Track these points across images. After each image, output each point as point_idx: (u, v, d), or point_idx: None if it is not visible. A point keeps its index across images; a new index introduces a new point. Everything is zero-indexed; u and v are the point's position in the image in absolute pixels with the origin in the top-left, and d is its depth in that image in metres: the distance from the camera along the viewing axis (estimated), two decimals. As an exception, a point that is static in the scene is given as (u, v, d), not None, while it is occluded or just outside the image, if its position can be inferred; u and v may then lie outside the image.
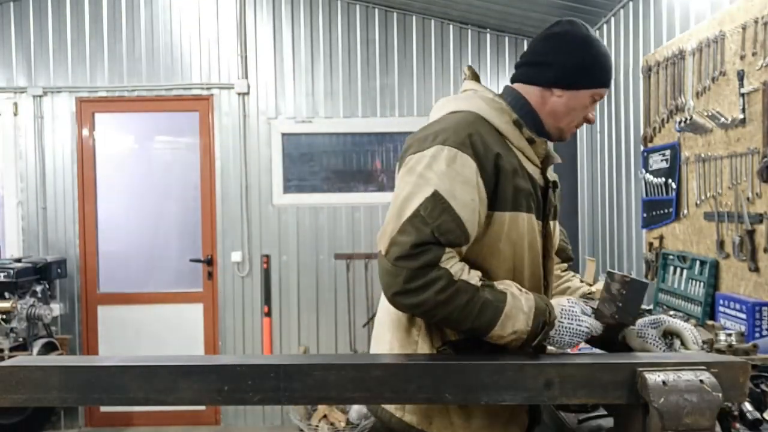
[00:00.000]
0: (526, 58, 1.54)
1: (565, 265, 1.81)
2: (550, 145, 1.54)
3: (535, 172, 1.45)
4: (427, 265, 1.26)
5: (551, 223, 1.54)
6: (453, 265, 1.29)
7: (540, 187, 1.46)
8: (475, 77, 1.57)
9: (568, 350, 1.39)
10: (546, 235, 1.50)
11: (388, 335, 1.47)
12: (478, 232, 1.35)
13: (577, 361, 1.19)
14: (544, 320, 1.31)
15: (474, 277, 1.31)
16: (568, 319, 1.33)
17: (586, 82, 1.46)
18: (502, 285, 1.34)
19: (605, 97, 3.79)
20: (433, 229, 1.27)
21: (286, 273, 4.53)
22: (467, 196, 1.31)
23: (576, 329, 1.33)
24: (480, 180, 1.33)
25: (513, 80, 1.55)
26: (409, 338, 1.41)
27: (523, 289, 1.35)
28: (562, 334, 1.32)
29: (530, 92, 1.48)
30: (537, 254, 1.46)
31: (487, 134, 1.38)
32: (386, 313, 1.48)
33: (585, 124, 1.56)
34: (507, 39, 4.48)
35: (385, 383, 1.13)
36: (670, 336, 1.48)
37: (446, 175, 1.31)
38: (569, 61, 1.45)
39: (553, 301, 1.37)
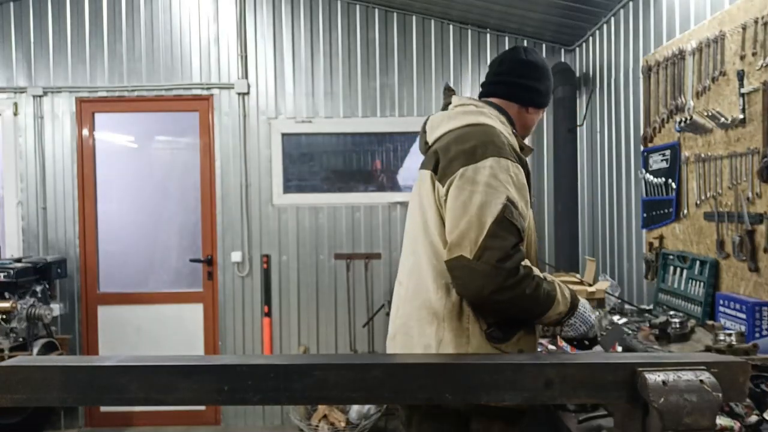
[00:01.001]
0: (506, 78, 1.82)
1: None
2: None
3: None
4: (519, 264, 1.51)
5: None
6: (528, 262, 1.56)
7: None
8: (453, 92, 1.87)
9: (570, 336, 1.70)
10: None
11: (431, 328, 1.61)
12: None
13: (577, 361, 1.19)
14: (574, 304, 1.65)
15: (538, 271, 1.59)
16: (583, 308, 1.67)
17: (546, 103, 1.86)
18: (549, 277, 1.63)
19: (605, 97, 3.81)
20: (520, 228, 1.53)
21: (286, 273, 4.54)
22: (524, 198, 1.59)
23: (588, 318, 1.67)
24: (525, 182, 1.63)
25: (490, 94, 1.83)
26: (461, 326, 1.59)
27: (559, 281, 1.66)
28: (578, 318, 1.66)
29: (510, 107, 1.80)
30: (535, 240, 1.76)
31: (512, 144, 1.65)
32: (428, 309, 1.62)
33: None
34: (507, 39, 4.48)
35: (385, 383, 1.13)
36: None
37: (509, 183, 1.55)
38: (542, 87, 1.82)
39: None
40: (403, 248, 1.82)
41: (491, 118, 1.70)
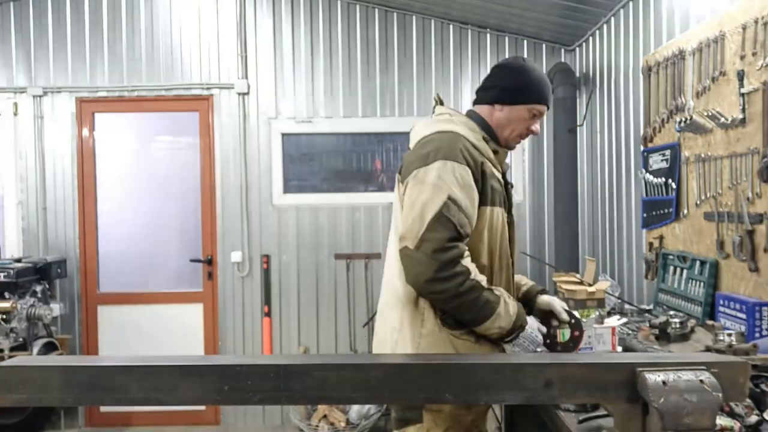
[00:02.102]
0: (480, 86, 1.96)
1: None
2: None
3: (499, 175, 1.87)
4: (454, 259, 1.64)
5: (512, 214, 1.96)
6: (469, 263, 1.68)
7: (503, 187, 1.88)
8: (442, 103, 1.99)
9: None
10: (510, 223, 1.92)
11: (396, 312, 1.80)
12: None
13: (577, 361, 1.18)
14: (520, 324, 1.75)
15: (483, 279, 1.70)
16: (530, 329, 1.78)
17: (521, 99, 1.87)
18: (498, 291, 1.73)
19: (605, 97, 3.81)
20: (455, 224, 1.66)
21: (286, 273, 4.54)
22: (469, 197, 1.71)
23: (535, 339, 1.80)
24: (473, 183, 1.74)
25: (474, 103, 1.97)
26: (417, 310, 1.76)
27: (511, 297, 1.77)
28: (526, 338, 1.78)
29: (483, 110, 1.92)
30: (505, 239, 1.86)
31: (470, 148, 1.78)
32: (394, 295, 1.81)
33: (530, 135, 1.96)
34: (507, 39, 4.48)
35: (385, 383, 1.13)
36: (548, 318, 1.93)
37: (454, 183, 1.69)
38: (506, 83, 1.88)
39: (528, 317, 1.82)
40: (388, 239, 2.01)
41: (459, 125, 1.85)
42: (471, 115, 1.94)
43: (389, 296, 1.85)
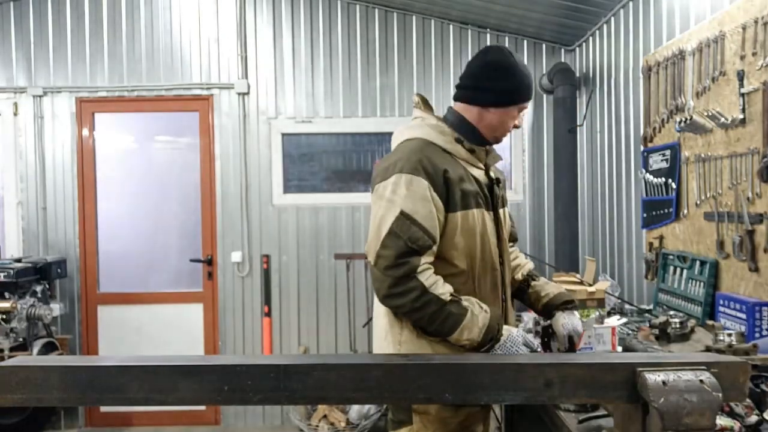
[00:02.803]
0: (465, 81, 1.86)
1: (511, 243, 2.11)
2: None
3: (480, 174, 1.82)
4: (406, 275, 1.62)
5: (501, 211, 1.89)
6: (428, 277, 1.64)
7: (486, 185, 1.82)
8: (425, 102, 1.91)
9: None
10: (497, 221, 1.85)
11: (381, 320, 1.81)
12: (441, 231, 1.71)
13: (577, 361, 1.19)
14: (492, 336, 1.68)
15: (445, 292, 1.65)
16: (511, 343, 1.71)
17: (513, 100, 1.82)
18: (467, 302, 1.68)
19: (605, 97, 3.81)
20: (406, 240, 1.63)
21: (286, 273, 4.54)
22: (426, 209, 1.67)
23: (514, 353, 1.70)
24: (433, 194, 1.68)
25: (455, 99, 1.88)
26: (396, 319, 1.76)
27: (484, 307, 1.69)
28: (503, 349, 1.69)
29: (470, 110, 1.84)
30: (488, 239, 1.79)
31: (433, 155, 1.73)
32: (378, 303, 1.81)
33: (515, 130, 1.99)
34: (507, 39, 4.48)
35: (385, 383, 1.13)
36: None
37: (407, 197, 1.66)
38: (500, 86, 1.80)
39: (506, 327, 1.74)
40: None
41: (428, 129, 1.80)
42: (447, 115, 1.87)
43: (377, 306, 1.85)
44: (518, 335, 1.73)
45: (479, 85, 1.82)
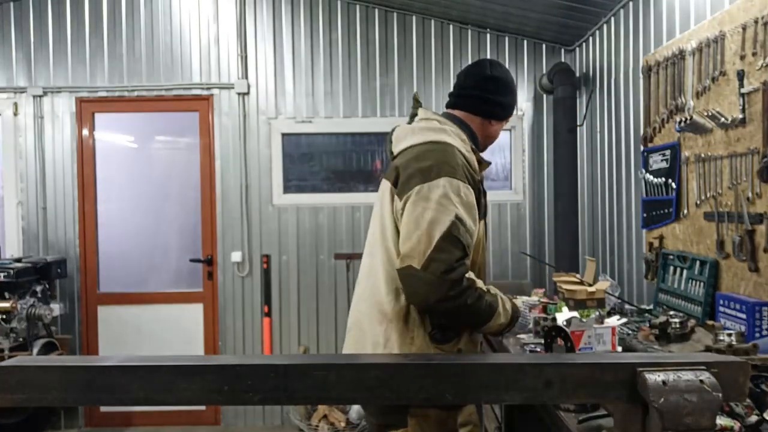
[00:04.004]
0: (471, 92, 1.93)
1: None
2: None
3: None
4: (462, 276, 1.64)
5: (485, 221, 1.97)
6: (471, 275, 1.69)
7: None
8: (420, 104, 1.97)
9: None
10: (486, 229, 1.95)
11: (380, 328, 1.75)
12: None
13: (577, 361, 1.18)
14: (516, 317, 1.86)
15: (482, 283, 1.73)
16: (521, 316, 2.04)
17: (510, 114, 2.00)
18: (493, 290, 1.79)
19: (605, 97, 3.82)
20: (464, 245, 1.66)
21: (286, 273, 4.54)
22: (472, 217, 1.70)
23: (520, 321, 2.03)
24: (474, 201, 1.74)
25: (455, 107, 1.95)
26: (407, 328, 1.73)
27: (502, 294, 1.83)
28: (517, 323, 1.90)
29: (473, 120, 1.92)
30: (483, 245, 1.89)
31: (466, 165, 1.77)
32: (378, 310, 1.77)
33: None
34: (507, 39, 4.48)
35: (385, 383, 1.13)
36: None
37: (460, 203, 1.67)
38: (505, 101, 1.94)
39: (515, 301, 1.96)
40: (365, 248, 1.94)
41: (451, 136, 1.81)
42: (458, 122, 1.90)
43: (370, 309, 1.79)
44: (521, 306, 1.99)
45: (488, 98, 1.91)
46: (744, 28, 2.26)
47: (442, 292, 1.61)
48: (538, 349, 2.26)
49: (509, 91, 1.95)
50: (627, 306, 2.97)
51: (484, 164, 1.90)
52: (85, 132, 4.55)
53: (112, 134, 4.66)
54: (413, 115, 1.96)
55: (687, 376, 1.04)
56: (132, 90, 4.51)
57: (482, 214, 1.83)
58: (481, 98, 1.91)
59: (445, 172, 1.69)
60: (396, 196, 1.76)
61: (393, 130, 1.95)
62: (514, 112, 1.99)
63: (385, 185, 1.85)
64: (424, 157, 1.75)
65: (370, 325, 1.79)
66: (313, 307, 4.54)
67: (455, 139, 1.81)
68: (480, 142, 1.95)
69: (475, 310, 1.69)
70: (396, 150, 1.88)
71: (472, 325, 1.77)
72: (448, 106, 1.99)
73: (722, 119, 2.39)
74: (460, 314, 1.69)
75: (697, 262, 2.60)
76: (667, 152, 2.89)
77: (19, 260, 4.11)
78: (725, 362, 1.10)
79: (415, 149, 1.79)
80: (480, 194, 1.81)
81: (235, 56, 4.50)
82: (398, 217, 1.74)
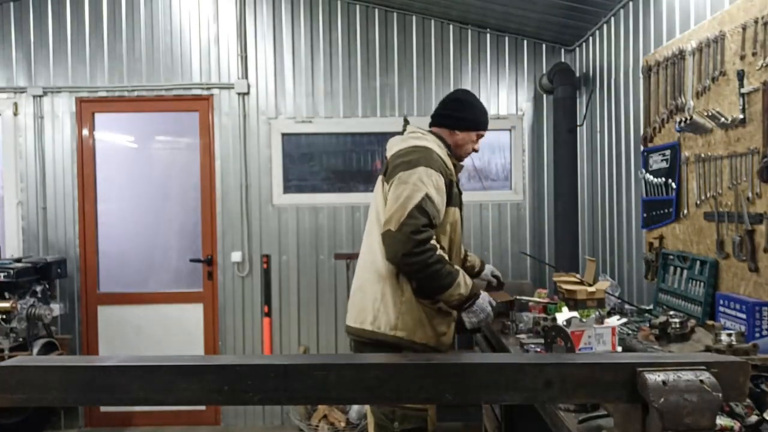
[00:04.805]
0: (438, 110, 2.59)
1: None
2: None
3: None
4: (426, 239, 2.17)
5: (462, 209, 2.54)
6: (436, 244, 2.22)
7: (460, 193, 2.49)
8: (408, 123, 2.66)
9: (470, 324, 2.36)
10: (462, 219, 2.51)
11: (378, 286, 2.33)
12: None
13: (577, 360, 1.18)
14: (475, 293, 2.32)
15: (446, 256, 2.26)
16: (482, 299, 2.35)
17: (470, 127, 2.54)
18: (456, 266, 2.30)
19: (605, 97, 3.82)
20: (430, 215, 2.19)
21: (286, 273, 4.54)
22: (440, 198, 2.27)
23: (485, 308, 2.35)
24: (444, 188, 2.29)
25: (431, 125, 2.58)
26: (398, 283, 2.30)
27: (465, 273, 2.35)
28: (478, 305, 2.33)
29: (443, 131, 2.54)
30: (458, 228, 2.46)
31: (440, 161, 2.34)
32: (376, 273, 2.34)
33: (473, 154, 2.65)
34: (507, 39, 4.48)
35: (385, 383, 1.13)
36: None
37: (431, 185, 2.23)
38: (462, 115, 2.53)
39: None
40: (364, 233, 2.51)
41: (431, 143, 2.41)
42: (435, 133, 2.51)
43: (370, 274, 2.36)
44: (485, 296, 2.38)
45: (450, 114, 2.53)
46: (744, 28, 2.26)
47: (409, 248, 2.14)
48: (538, 349, 2.26)
49: (467, 108, 2.53)
50: (627, 306, 2.97)
51: (458, 167, 2.52)
52: (85, 132, 4.55)
53: (112, 134, 4.66)
54: (403, 130, 2.56)
55: (687, 376, 1.04)
56: (132, 90, 4.51)
57: (457, 203, 2.41)
58: (443, 114, 2.55)
59: (422, 163, 2.25)
60: (385, 183, 2.34)
61: (389, 141, 2.54)
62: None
63: (380, 180, 2.44)
64: (409, 154, 2.32)
65: (370, 286, 2.36)
66: (313, 307, 4.54)
67: (434, 144, 2.40)
68: (453, 149, 2.51)
69: (436, 271, 2.17)
70: (389, 154, 2.45)
71: (436, 288, 2.23)
72: (430, 125, 2.58)
73: (722, 119, 2.39)
74: (423, 272, 2.18)
75: (697, 262, 2.60)
76: (667, 152, 2.89)
77: (19, 260, 4.11)
78: (725, 362, 1.10)
79: (403, 151, 2.36)
80: (452, 185, 2.35)
81: (235, 56, 4.50)
82: (387, 198, 2.29)
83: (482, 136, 2.58)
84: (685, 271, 2.70)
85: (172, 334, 4.53)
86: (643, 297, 3.26)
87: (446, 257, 2.23)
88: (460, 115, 2.52)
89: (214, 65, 4.51)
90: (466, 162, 2.75)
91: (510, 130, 4.54)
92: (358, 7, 4.48)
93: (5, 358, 3.60)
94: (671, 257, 2.84)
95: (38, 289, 4.12)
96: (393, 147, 2.44)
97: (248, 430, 4.54)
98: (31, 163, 4.52)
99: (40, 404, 1.10)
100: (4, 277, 3.84)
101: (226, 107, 4.51)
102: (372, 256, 2.36)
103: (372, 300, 2.33)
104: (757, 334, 2.12)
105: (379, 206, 2.38)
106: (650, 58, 3.04)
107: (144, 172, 4.67)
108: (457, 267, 2.28)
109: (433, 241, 2.18)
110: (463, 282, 2.26)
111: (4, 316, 3.80)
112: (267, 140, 4.51)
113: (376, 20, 4.49)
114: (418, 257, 2.14)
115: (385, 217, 2.22)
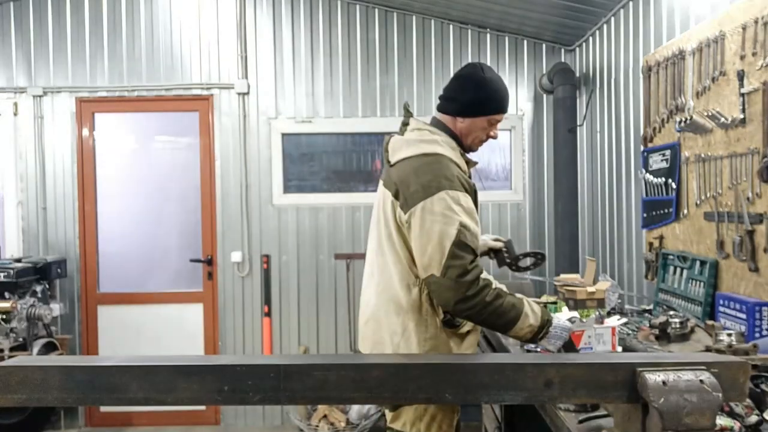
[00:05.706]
0: (443, 93, 2.08)
1: None
2: None
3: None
4: (477, 277, 1.81)
5: None
6: (488, 276, 1.85)
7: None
8: (410, 113, 2.10)
9: (554, 348, 1.92)
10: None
11: (398, 318, 1.96)
12: None
13: (577, 361, 1.18)
14: (547, 318, 1.89)
15: (504, 287, 1.87)
16: (557, 321, 1.92)
17: (481, 111, 2.01)
18: (518, 294, 1.89)
19: (605, 97, 3.82)
20: (473, 248, 1.84)
21: (286, 273, 4.53)
22: (474, 221, 1.89)
23: (565, 326, 1.92)
24: (473, 206, 1.92)
25: (437, 109, 2.09)
26: (421, 317, 1.94)
27: (529, 299, 1.92)
28: (556, 330, 1.90)
29: (446, 119, 2.05)
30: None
31: (461, 174, 1.93)
32: (394, 303, 1.97)
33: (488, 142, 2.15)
34: (507, 39, 4.48)
35: (385, 383, 1.13)
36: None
37: (462, 212, 1.85)
38: (467, 98, 2.01)
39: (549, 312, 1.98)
40: (370, 242, 2.14)
41: (443, 146, 1.96)
42: (437, 123, 2.05)
43: (385, 304, 1.99)
44: (560, 316, 1.99)
45: (452, 96, 2.04)
46: (744, 28, 2.26)
47: (461, 294, 1.79)
48: (539, 349, 2.25)
49: (473, 88, 2.01)
50: (627, 306, 2.97)
51: (471, 164, 2.08)
52: (85, 132, 4.55)
53: (112, 134, 4.65)
54: (405, 124, 2.07)
55: (687, 376, 1.04)
56: (132, 90, 4.51)
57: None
58: (447, 97, 2.06)
59: (444, 186, 1.85)
60: (399, 209, 1.93)
61: (388, 140, 2.08)
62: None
63: (386, 194, 2.00)
64: (422, 171, 1.89)
65: (386, 317, 1.99)
66: (313, 307, 4.54)
67: (446, 148, 1.96)
68: (461, 141, 2.05)
69: (496, 308, 1.82)
70: (393, 159, 2.01)
71: (501, 326, 1.87)
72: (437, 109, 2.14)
73: (722, 119, 2.39)
74: (483, 313, 1.82)
75: (697, 262, 2.60)
76: (667, 152, 2.89)
77: (19, 260, 4.11)
78: (725, 362, 1.10)
79: (412, 161, 1.93)
80: (476, 194, 1.98)
81: (235, 56, 4.50)
82: (402, 224, 1.92)
83: (498, 121, 2.07)
84: (685, 271, 2.70)
85: (172, 334, 4.53)
86: (643, 297, 3.26)
87: (503, 287, 1.88)
88: (465, 99, 2.01)
89: (214, 65, 4.51)
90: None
91: (510, 130, 4.53)
92: (358, 7, 4.48)
93: (5, 358, 3.60)
94: (671, 257, 2.84)
95: (38, 289, 4.12)
96: (398, 150, 2.02)
97: (248, 430, 4.54)
98: (31, 163, 4.51)
99: (40, 404, 1.11)
100: (4, 277, 3.84)
101: (226, 107, 4.51)
102: (386, 282, 2.00)
103: (390, 334, 1.98)
104: (757, 334, 2.12)
105: (391, 230, 1.98)
106: (650, 58, 3.04)
107: (144, 172, 4.67)
108: (519, 296, 1.90)
109: (483, 275, 1.84)
110: (530, 311, 1.88)
111: (4, 316, 3.80)
112: (267, 140, 4.51)
113: (376, 20, 4.49)
114: (473, 300, 1.81)
115: (423, 261, 1.86)
